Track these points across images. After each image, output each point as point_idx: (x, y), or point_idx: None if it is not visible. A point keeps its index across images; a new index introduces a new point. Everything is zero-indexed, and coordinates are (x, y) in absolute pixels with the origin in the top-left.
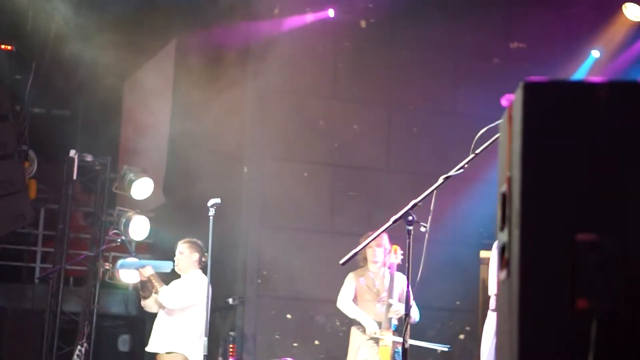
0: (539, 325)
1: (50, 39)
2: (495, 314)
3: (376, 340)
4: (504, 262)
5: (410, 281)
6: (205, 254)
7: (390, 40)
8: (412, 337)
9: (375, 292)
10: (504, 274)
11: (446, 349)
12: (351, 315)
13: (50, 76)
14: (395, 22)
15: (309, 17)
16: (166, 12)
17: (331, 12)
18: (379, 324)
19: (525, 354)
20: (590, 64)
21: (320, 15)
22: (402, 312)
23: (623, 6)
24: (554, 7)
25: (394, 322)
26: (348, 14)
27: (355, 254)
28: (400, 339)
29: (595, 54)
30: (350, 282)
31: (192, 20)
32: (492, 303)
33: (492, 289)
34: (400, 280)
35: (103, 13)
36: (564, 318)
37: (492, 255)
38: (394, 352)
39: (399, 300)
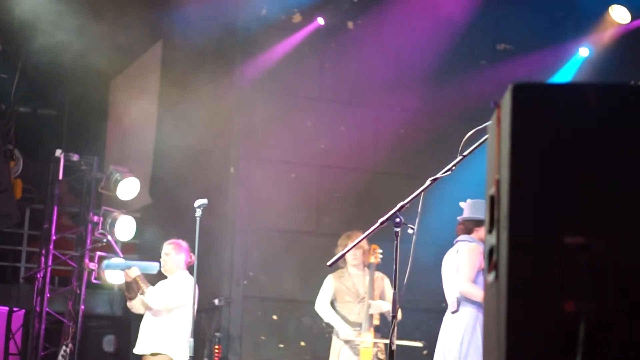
0: (526, 327)
1: (37, 38)
2: (453, 316)
3: (357, 343)
4: (492, 265)
5: (398, 283)
6: (191, 255)
7: (377, 41)
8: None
9: (355, 293)
10: (492, 276)
11: (420, 345)
12: (326, 319)
13: (36, 75)
14: (382, 23)
15: (298, 20)
16: (152, 12)
17: (321, 21)
18: (360, 325)
19: (513, 356)
20: (578, 63)
21: (311, 26)
22: (383, 308)
23: (609, 8)
24: (541, 9)
25: (376, 321)
26: (335, 15)
27: (343, 254)
28: (381, 340)
29: (583, 52)
30: (329, 284)
31: (178, 21)
32: (452, 305)
33: (451, 293)
34: (381, 279)
35: (90, 12)
36: (552, 320)
37: (446, 260)
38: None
39: (381, 299)
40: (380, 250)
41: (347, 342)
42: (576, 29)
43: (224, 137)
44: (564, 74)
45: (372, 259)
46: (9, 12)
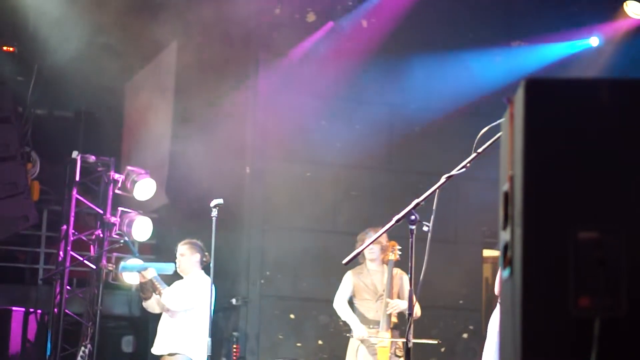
0: (541, 323)
1: (52, 40)
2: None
3: (374, 342)
4: (506, 261)
5: (413, 280)
6: (206, 254)
7: (392, 39)
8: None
9: (373, 291)
10: (506, 272)
11: (435, 343)
12: (343, 318)
13: (52, 77)
14: (397, 21)
15: (312, 19)
16: (168, 13)
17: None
18: (378, 322)
19: (528, 352)
20: (581, 48)
21: (325, 27)
22: (401, 307)
23: (624, 4)
24: (555, 5)
25: (394, 318)
26: (349, 13)
27: (358, 253)
28: (398, 340)
29: (593, 42)
30: (348, 281)
31: (192, 20)
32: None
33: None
34: (400, 277)
35: (105, 14)
36: (566, 316)
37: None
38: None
39: (399, 297)
40: (399, 247)
41: (364, 340)
42: (590, 25)
43: (240, 136)
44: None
45: (391, 256)
46: (25, 15)
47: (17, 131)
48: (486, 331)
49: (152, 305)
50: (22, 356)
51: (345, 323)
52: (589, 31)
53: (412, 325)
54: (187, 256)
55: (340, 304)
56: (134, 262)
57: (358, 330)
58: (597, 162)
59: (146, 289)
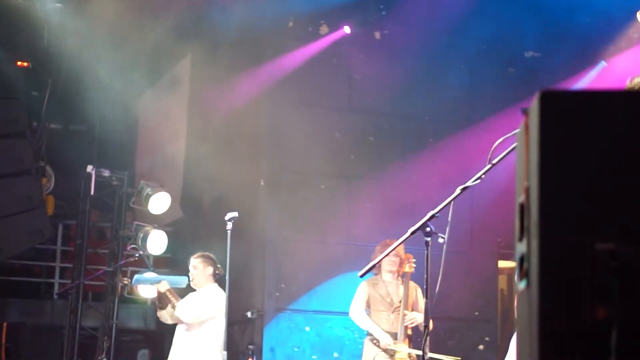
0: (558, 335)
1: (66, 54)
2: None
3: (392, 352)
4: (522, 273)
5: (429, 292)
6: (219, 267)
7: (405, 50)
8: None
9: (389, 302)
10: (523, 284)
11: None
12: (363, 327)
13: (66, 92)
14: (409, 32)
15: (325, 32)
16: (181, 27)
17: (347, 29)
18: (394, 334)
19: None
20: (596, 72)
21: (337, 34)
22: (418, 320)
23: (637, 13)
24: (568, 15)
25: (409, 331)
26: (362, 25)
27: (374, 265)
28: (414, 351)
29: (603, 63)
30: (363, 291)
31: (206, 34)
32: None
33: None
34: (414, 289)
35: (119, 28)
36: (583, 327)
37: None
38: None
39: (413, 310)
40: (414, 259)
41: (382, 350)
42: (604, 36)
43: (254, 149)
44: (583, 84)
45: (407, 268)
46: (39, 30)
47: (32, 146)
48: (501, 342)
49: (164, 315)
50: None
51: (360, 335)
52: (603, 42)
53: (428, 337)
54: (200, 269)
55: (358, 314)
56: (147, 274)
57: (383, 338)
58: (613, 173)
59: (163, 300)
